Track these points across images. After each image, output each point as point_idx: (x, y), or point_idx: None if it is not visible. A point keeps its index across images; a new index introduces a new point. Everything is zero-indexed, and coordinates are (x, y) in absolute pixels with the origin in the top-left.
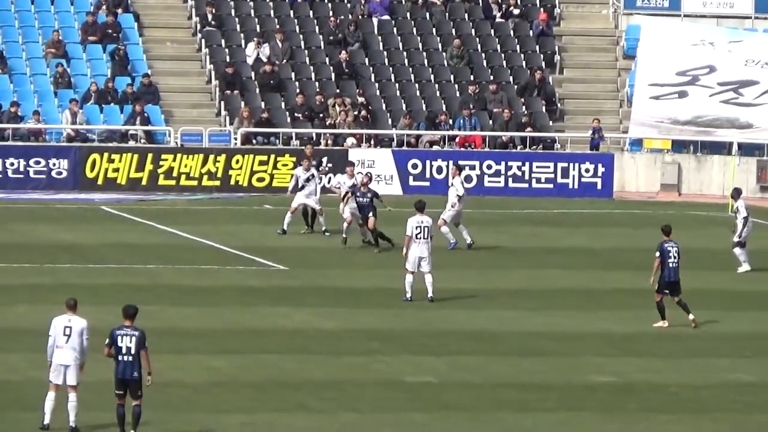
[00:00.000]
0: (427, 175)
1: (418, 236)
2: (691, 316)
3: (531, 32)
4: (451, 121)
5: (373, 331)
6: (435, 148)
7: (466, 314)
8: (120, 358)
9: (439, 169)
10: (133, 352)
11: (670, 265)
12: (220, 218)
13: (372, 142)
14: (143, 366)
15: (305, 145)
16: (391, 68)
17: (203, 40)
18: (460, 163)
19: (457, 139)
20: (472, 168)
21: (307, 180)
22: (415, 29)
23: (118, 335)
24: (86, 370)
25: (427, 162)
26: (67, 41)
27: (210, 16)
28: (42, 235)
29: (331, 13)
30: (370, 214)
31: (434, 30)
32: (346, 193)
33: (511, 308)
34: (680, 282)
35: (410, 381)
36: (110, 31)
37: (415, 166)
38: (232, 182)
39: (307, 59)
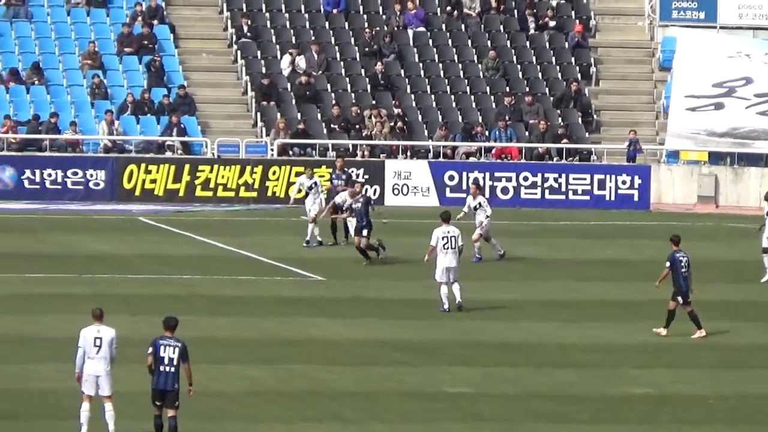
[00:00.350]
0: (464, 187)
1: (446, 246)
2: (700, 332)
3: (567, 44)
4: (487, 133)
5: (408, 341)
6: (471, 159)
7: (502, 325)
8: (161, 369)
9: (476, 181)
10: (175, 363)
11: (683, 274)
12: (257, 229)
13: (408, 154)
14: (185, 378)
15: (336, 158)
16: (426, 80)
17: (239, 52)
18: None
19: (493, 151)
20: (509, 180)
21: (310, 188)
22: (450, 41)
23: (160, 345)
24: (119, 379)
25: (464, 173)
26: (103, 52)
27: (245, 28)
28: (79, 246)
29: (366, 25)
30: (364, 231)
31: (470, 42)
32: (335, 207)
33: (547, 320)
34: (691, 291)
35: (445, 392)
36: (146, 42)
37: (451, 178)
38: (269, 193)
39: (343, 70)
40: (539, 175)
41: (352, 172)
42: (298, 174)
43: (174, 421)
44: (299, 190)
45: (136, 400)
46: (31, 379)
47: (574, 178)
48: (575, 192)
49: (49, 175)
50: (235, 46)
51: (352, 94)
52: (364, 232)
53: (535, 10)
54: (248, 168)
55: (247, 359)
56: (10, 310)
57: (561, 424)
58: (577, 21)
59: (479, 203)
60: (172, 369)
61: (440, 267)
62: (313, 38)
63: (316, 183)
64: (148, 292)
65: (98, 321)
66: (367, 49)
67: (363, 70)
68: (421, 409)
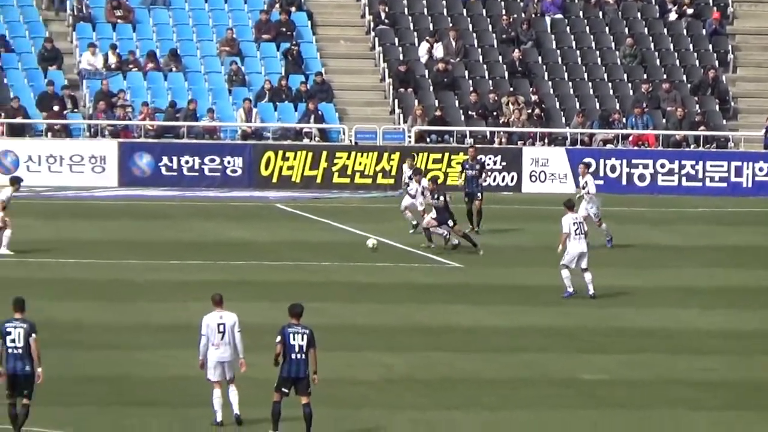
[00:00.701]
0: (601, 174)
1: (577, 233)
2: None
3: (704, 31)
4: (624, 120)
5: (546, 328)
6: (608, 146)
7: (637, 312)
8: (293, 356)
9: (613, 168)
10: (305, 350)
11: None
12: (395, 216)
13: (545, 141)
14: (310, 364)
15: (469, 147)
16: (564, 67)
17: (377, 39)
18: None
19: (630, 138)
20: (646, 167)
21: (410, 177)
22: (588, 28)
23: (289, 333)
24: (253, 365)
25: (601, 161)
26: (241, 39)
27: (383, 15)
28: (217, 233)
29: (504, 12)
30: (449, 222)
31: (607, 29)
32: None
33: (683, 306)
34: None
35: (582, 378)
36: (284, 29)
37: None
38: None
39: (481, 57)
40: (676, 162)
41: (489, 159)
42: (435, 161)
43: (309, 407)
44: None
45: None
46: (174, 366)
47: (711, 165)
48: (712, 179)
49: (187, 162)
50: (372, 33)
51: (490, 81)
52: (450, 223)
53: None
54: (385, 155)
55: (384, 346)
56: (150, 298)
57: (698, 411)
58: (715, 8)
59: (586, 182)
60: (303, 356)
61: (572, 253)
62: (450, 25)
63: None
64: (286, 279)
65: (219, 307)
66: (504, 36)
67: (500, 57)
68: (558, 396)
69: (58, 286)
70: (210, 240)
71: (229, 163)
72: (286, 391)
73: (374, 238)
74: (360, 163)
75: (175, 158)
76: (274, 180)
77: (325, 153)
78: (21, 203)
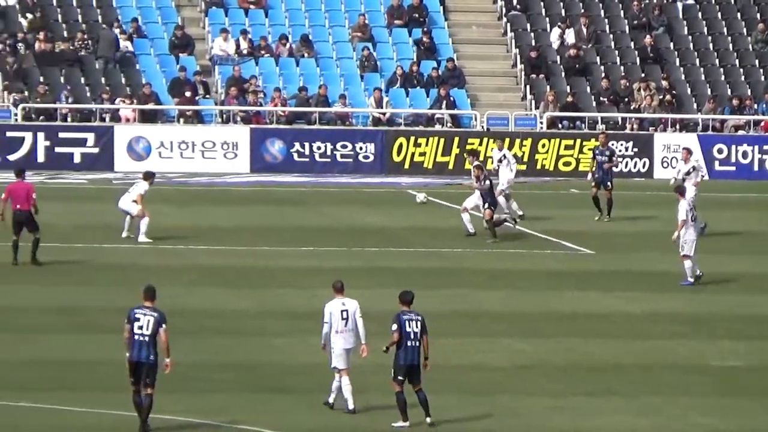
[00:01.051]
0: (733, 160)
1: (694, 219)
2: None
3: None
4: (755, 106)
5: (678, 314)
6: (740, 132)
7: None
8: (409, 344)
9: (745, 154)
10: (419, 337)
11: None
12: (527, 202)
13: (677, 127)
14: (423, 350)
15: (600, 134)
16: (695, 52)
17: (509, 24)
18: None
19: (762, 124)
20: None
21: (500, 161)
22: (719, 13)
23: (405, 320)
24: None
25: (733, 147)
26: (373, 25)
27: (515, 0)
28: (350, 219)
29: None
30: (486, 204)
31: (739, 14)
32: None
33: None
34: None
35: (715, 365)
36: (416, 14)
37: (720, 151)
38: (538, 166)
39: (612, 43)
40: None
41: (620, 145)
42: (566, 147)
43: (422, 392)
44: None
45: (369, 373)
46: (306, 353)
47: None
48: None
49: (319, 148)
50: (504, 19)
51: (621, 67)
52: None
53: None
54: (517, 141)
55: (517, 333)
56: (286, 284)
57: None
58: None
59: (692, 167)
60: (417, 343)
61: (690, 240)
62: (582, 11)
63: (505, 155)
64: (419, 266)
65: (340, 294)
66: (636, 21)
67: (632, 43)
68: (691, 382)
69: (191, 272)
70: (342, 226)
71: (361, 149)
72: (402, 378)
73: (424, 194)
74: (492, 149)
75: (307, 144)
76: (406, 166)
77: (457, 139)
78: (153, 189)
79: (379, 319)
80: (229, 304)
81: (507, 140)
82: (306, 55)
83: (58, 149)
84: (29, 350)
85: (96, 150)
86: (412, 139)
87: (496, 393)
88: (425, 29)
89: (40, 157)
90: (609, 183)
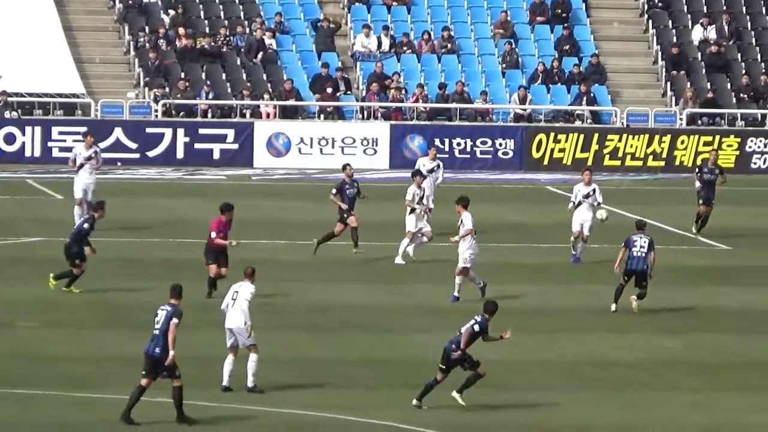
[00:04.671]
0: None
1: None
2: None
3: None
4: None
5: None
6: None
7: None
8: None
9: None
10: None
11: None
12: (665, 198)
13: None
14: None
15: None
16: None
17: (650, 21)
18: None
19: None
20: None
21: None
22: None
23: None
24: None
25: None
26: (515, 21)
27: None
28: (487, 215)
29: None
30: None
31: None
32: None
33: None
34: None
35: None
36: (559, 11)
37: None
38: (677, 162)
39: (754, 40)
40: None
41: (759, 141)
42: (705, 143)
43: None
44: None
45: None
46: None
47: None
48: None
49: (459, 144)
50: (646, 16)
51: (762, 64)
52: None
53: None
54: (656, 137)
55: (653, 329)
56: (421, 280)
57: None
58: None
59: (593, 189)
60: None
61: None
62: (724, 8)
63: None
64: (557, 261)
65: (249, 279)
66: None
67: None
68: None
69: (329, 268)
70: (481, 222)
71: (500, 145)
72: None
73: (605, 210)
74: (631, 146)
75: (446, 140)
76: (545, 162)
77: (596, 135)
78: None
79: (518, 315)
80: (368, 299)
81: (646, 137)
82: (448, 51)
83: (197, 145)
84: None
85: (235, 146)
86: (552, 135)
87: (630, 389)
88: (567, 25)
89: (179, 154)
90: (713, 201)
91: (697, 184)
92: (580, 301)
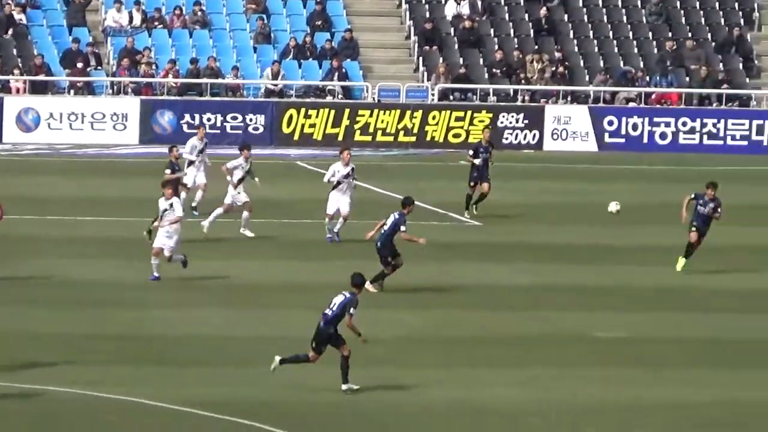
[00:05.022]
0: (623, 132)
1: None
2: None
3: None
4: (647, 78)
5: (565, 286)
6: (631, 104)
7: (654, 270)
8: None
9: (635, 126)
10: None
11: None
12: (416, 174)
13: (568, 99)
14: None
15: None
16: (589, 25)
17: None
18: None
19: (653, 96)
20: (667, 125)
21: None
22: None
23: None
24: None
25: (623, 119)
26: None
27: None
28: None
29: None
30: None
31: None
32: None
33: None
34: None
35: (598, 336)
36: None
37: (610, 123)
38: (428, 138)
39: (507, 15)
40: (698, 120)
41: (511, 117)
42: (457, 119)
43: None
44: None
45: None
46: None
47: (732, 124)
48: (733, 137)
49: (209, 119)
50: None
51: (515, 39)
52: None
53: None
54: (408, 113)
55: (403, 305)
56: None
57: (719, 369)
58: None
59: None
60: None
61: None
62: None
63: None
64: (309, 238)
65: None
66: None
67: (527, 15)
68: (578, 354)
69: (78, 243)
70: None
71: (251, 120)
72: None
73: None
74: (382, 121)
75: (197, 116)
76: (296, 138)
77: (347, 111)
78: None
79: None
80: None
81: (397, 112)
82: (199, 26)
83: None
84: None
85: None
86: (303, 110)
87: (382, 364)
88: (320, 0)
89: None
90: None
91: (477, 161)
92: (327, 278)
